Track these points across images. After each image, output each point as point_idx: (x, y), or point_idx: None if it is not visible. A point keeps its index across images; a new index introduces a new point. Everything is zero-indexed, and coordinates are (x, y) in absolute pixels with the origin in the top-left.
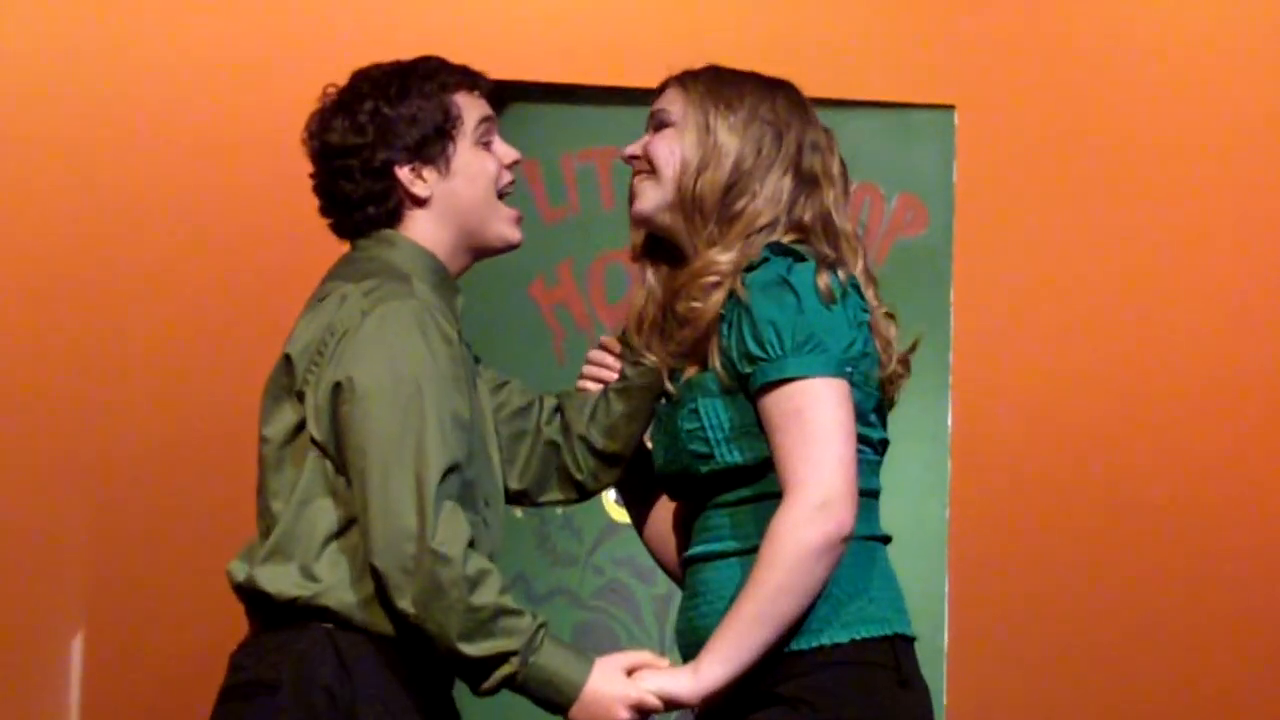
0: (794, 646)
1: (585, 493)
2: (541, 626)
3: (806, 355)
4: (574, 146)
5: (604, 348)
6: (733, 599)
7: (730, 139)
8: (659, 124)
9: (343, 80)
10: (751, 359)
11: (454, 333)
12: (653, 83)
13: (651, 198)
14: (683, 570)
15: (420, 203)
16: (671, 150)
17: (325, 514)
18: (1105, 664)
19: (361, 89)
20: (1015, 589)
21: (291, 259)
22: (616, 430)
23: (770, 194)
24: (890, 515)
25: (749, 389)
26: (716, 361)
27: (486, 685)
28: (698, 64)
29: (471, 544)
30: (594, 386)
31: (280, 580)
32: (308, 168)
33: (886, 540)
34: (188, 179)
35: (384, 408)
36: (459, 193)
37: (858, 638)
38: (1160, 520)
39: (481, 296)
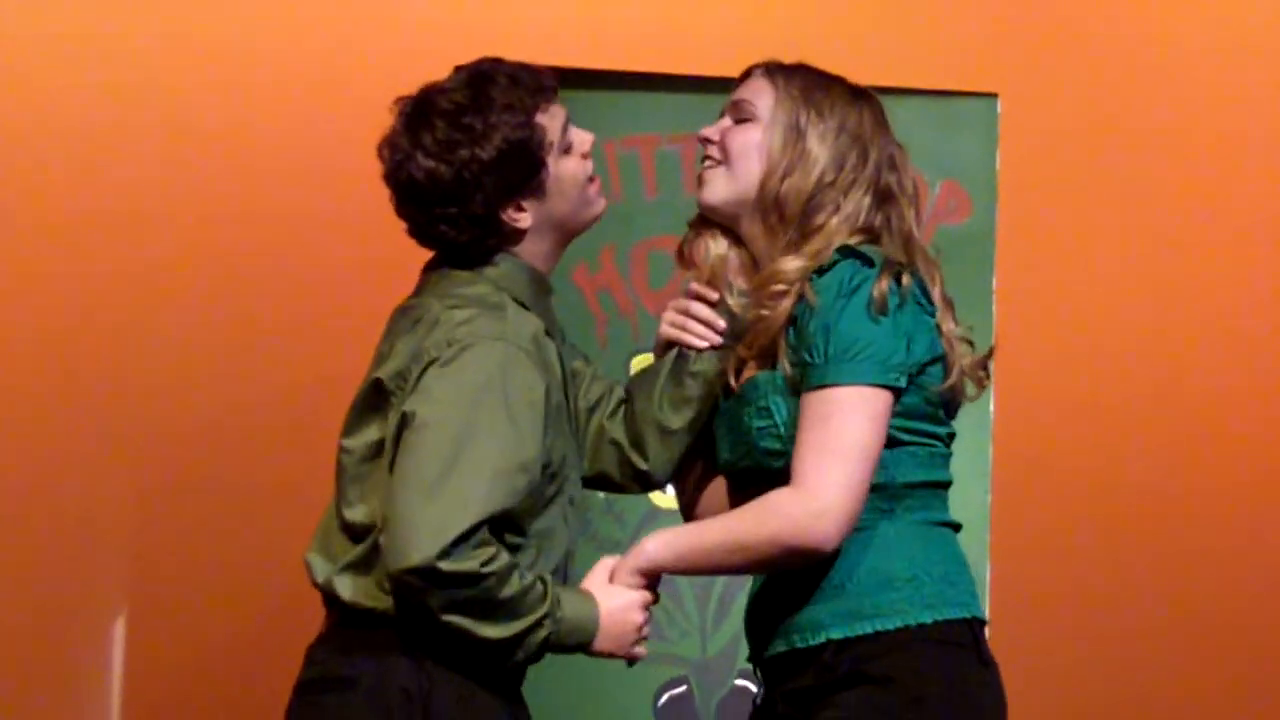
0: (880, 627)
1: (647, 483)
2: (543, 581)
3: (845, 363)
4: (617, 133)
5: (701, 298)
6: (797, 579)
7: (819, 148)
8: (741, 115)
9: (380, 77)
10: (800, 364)
11: (553, 356)
12: (698, 69)
13: (722, 188)
14: None
15: (524, 233)
16: (752, 145)
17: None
18: (1145, 649)
19: (442, 127)
20: (1057, 576)
21: (336, 242)
22: (687, 404)
23: (850, 211)
24: None
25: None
26: (786, 362)
27: (528, 658)
28: (741, 56)
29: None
30: (694, 340)
31: (358, 591)
32: (350, 155)
33: (957, 528)
34: (229, 155)
35: (436, 437)
36: (556, 208)
37: (940, 619)
38: (1204, 506)
39: None
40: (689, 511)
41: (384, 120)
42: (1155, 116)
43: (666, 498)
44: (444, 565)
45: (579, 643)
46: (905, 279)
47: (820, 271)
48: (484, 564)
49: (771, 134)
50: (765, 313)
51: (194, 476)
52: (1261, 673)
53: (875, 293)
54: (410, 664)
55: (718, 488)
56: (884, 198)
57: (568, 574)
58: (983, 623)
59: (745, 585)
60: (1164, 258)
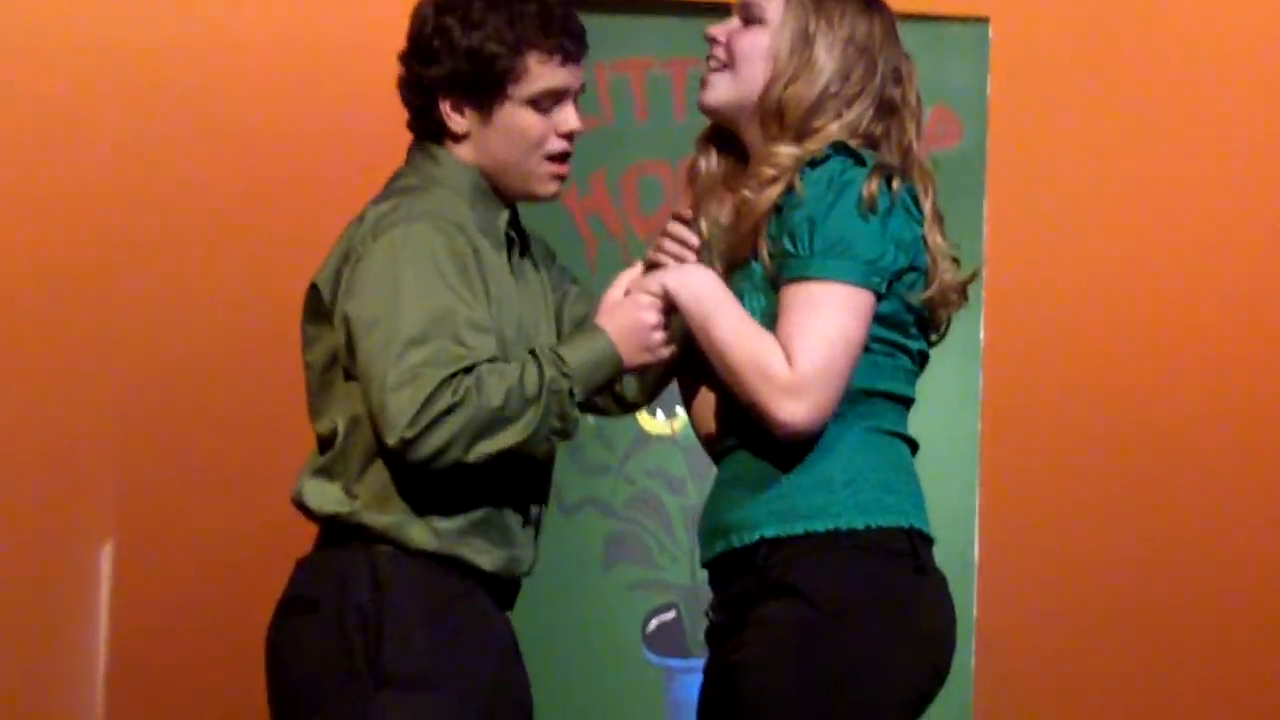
0: (810, 528)
1: (625, 406)
2: (532, 355)
3: (832, 259)
4: (607, 56)
5: (680, 219)
6: (738, 479)
7: (826, 57)
8: (749, 17)
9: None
10: (783, 254)
11: (484, 242)
12: None
13: (724, 91)
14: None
15: (456, 138)
16: (759, 50)
17: (366, 434)
18: (1136, 577)
19: (460, 4)
20: (1047, 502)
21: (318, 165)
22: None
23: (851, 120)
24: (922, 427)
25: (778, 284)
26: (764, 252)
27: (565, 426)
28: None
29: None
30: (665, 258)
31: (322, 497)
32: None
33: (913, 445)
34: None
35: (373, 330)
36: (493, 144)
37: (874, 525)
38: (1195, 435)
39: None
40: (688, 402)
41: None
42: (1146, 40)
43: (655, 421)
44: (416, 448)
45: (609, 374)
46: (895, 182)
47: (812, 165)
48: (449, 408)
49: (779, 39)
50: (749, 195)
51: (178, 404)
52: (1249, 598)
53: (865, 192)
54: (369, 584)
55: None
56: (887, 110)
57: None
58: (925, 535)
59: None
60: (1156, 181)
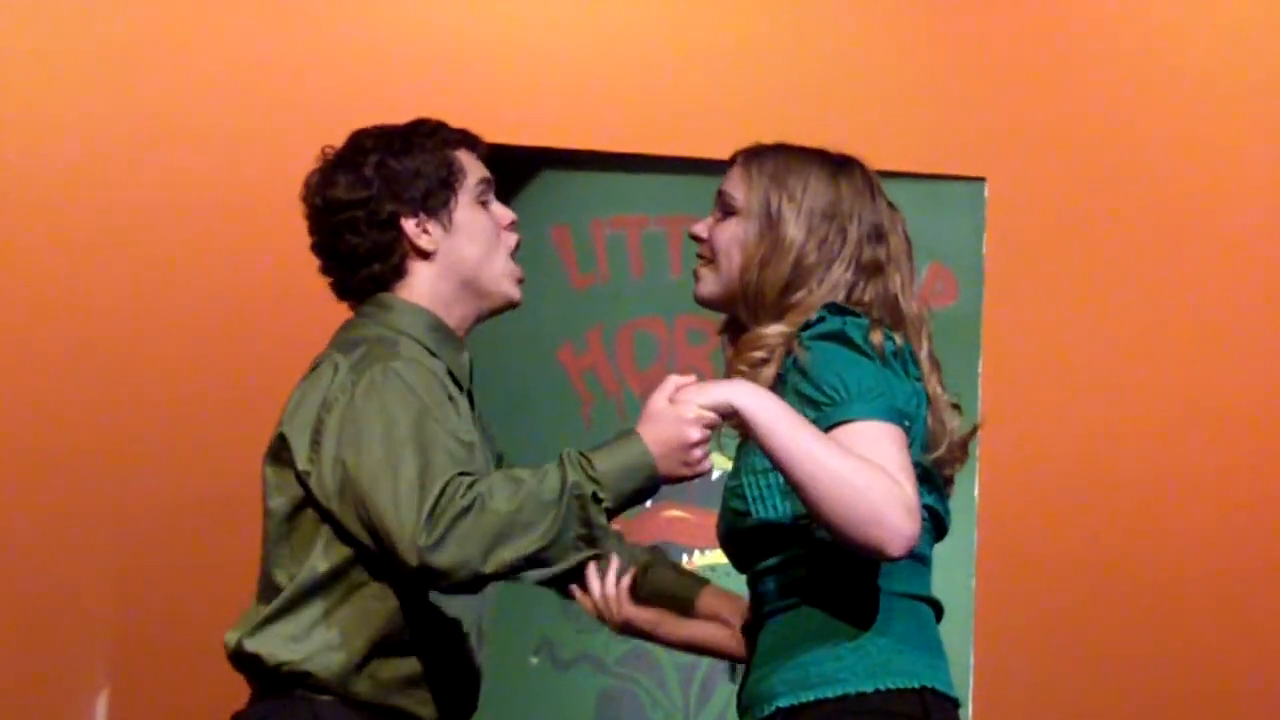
0: (821, 695)
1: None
2: (562, 457)
3: (871, 401)
4: (604, 213)
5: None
6: (785, 652)
7: (793, 232)
8: (724, 209)
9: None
10: (815, 404)
11: (453, 387)
12: (684, 150)
13: (710, 285)
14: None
15: (425, 256)
16: (734, 242)
17: (321, 584)
18: None
19: (364, 144)
20: (1041, 660)
21: (315, 312)
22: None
23: (829, 288)
24: None
25: None
26: None
27: (592, 534)
28: (729, 137)
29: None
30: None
31: (271, 643)
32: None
33: (937, 607)
34: (216, 220)
35: (369, 469)
36: (462, 248)
37: (884, 688)
38: (1194, 593)
39: (510, 361)
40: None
41: None
42: (1142, 201)
43: None
44: (434, 558)
45: (641, 483)
46: (898, 337)
47: (807, 326)
48: (461, 510)
49: (747, 226)
50: (745, 376)
51: (176, 553)
52: None
53: (875, 340)
54: None
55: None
56: (868, 270)
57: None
58: (940, 694)
59: (725, 669)
60: (1152, 341)
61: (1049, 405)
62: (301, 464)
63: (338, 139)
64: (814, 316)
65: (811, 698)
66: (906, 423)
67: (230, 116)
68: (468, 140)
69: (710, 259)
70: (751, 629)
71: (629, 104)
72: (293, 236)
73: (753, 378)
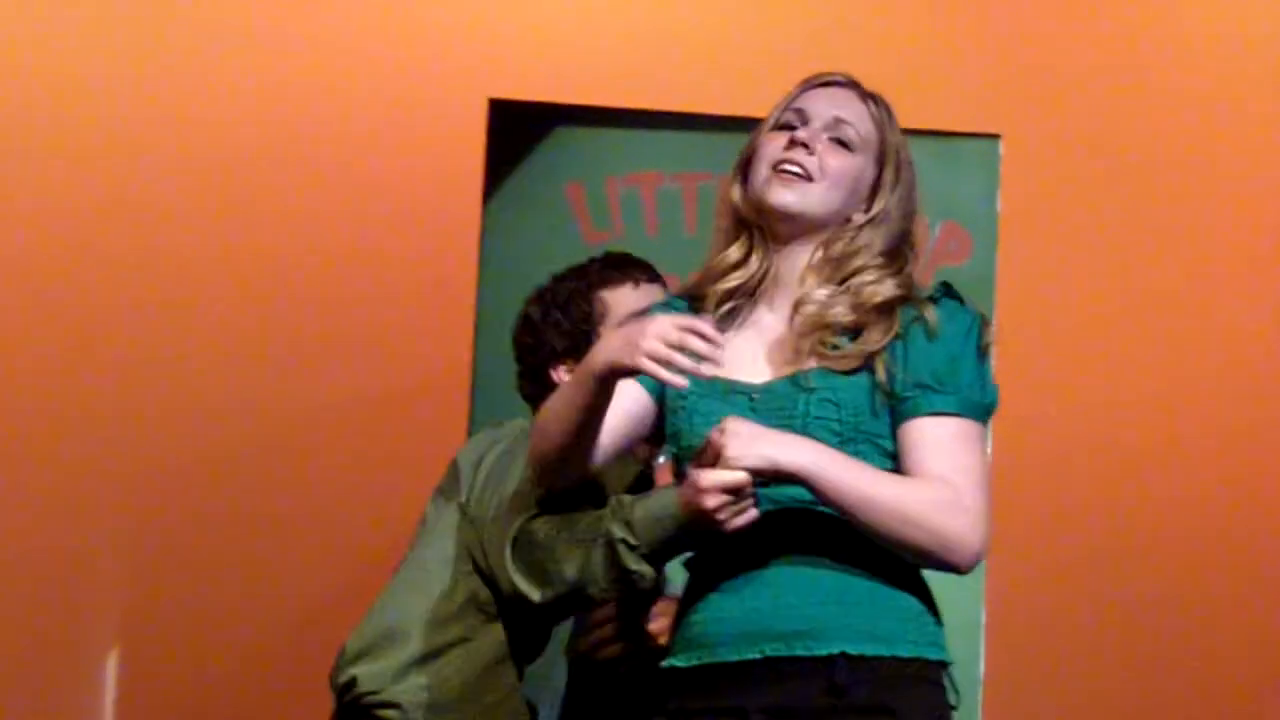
0: (897, 653)
1: None
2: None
3: (976, 402)
4: (619, 170)
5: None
6: (850, 597)
7: (909, 189)
8: (842, 137)
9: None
10: (921, 385)
11: None
12: (699, 107)
13: (814, 202)
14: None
15: None
16: (854, 173)
17: (439, 620)
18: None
19: (544, 296)
20: (1051, 621)
21: (332, 275)
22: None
23: (919, 246)
24: None
25: (902, 408)
26: (882, 374)
27: (626, 575)
28: (744, 94)
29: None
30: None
31: (378, 678)
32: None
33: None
34: (232, 186)
35: None
36: None
37: (936, 659)
38: (1208, 559)
39: None
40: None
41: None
42: (1157, 157)
43: None
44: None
45: (670, 531)
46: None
47: (933, 299)
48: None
49: (883, 170)
50: (868, 324)
51: (186, 512)
52: None
53: (989, 343)
54: None
55: None
56: (916, 256)
57: None
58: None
59: None
60: (1167, 298)
61: (1063, 363)
62: (469, 506)
63: (346, 93)
64: (931, 290)
65: (887, 652)
66: (988, 419)
67: (249, 75)
68: (624, 277)
69: (806, 176)
70: (772, 546)
71: (645, 60)
72: (288, 215)
73: (875, 327)
